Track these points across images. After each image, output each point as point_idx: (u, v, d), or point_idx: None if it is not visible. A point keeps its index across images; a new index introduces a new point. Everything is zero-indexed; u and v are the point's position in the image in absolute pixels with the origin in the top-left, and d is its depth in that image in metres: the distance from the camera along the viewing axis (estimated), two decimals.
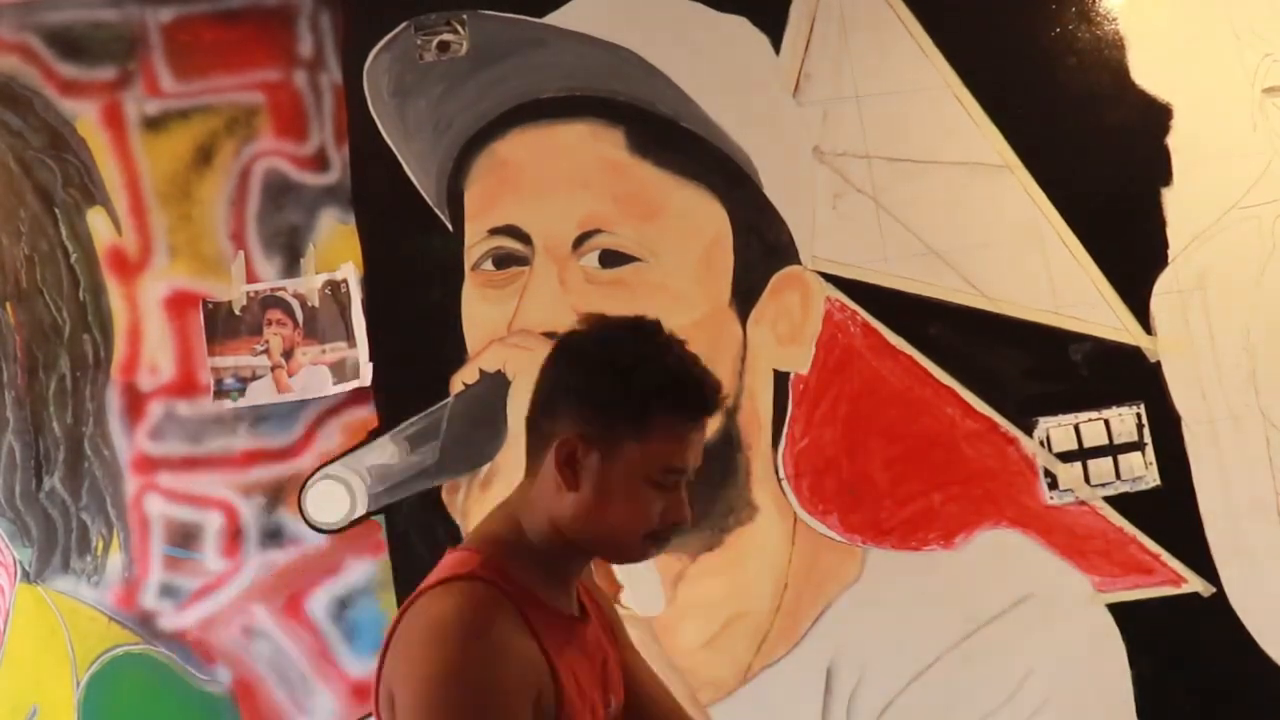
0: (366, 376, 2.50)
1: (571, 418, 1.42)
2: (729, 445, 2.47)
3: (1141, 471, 2.48)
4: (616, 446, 1.41)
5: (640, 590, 2.40)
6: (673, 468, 1.43)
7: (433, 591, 1.38)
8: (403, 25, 2.56)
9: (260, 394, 2.50)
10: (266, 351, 2.52)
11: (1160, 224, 2.54)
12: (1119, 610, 2.43)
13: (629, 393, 1.40)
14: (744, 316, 2.51)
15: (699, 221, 2.53)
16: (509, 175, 2.54)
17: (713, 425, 1.50)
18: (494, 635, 1.34)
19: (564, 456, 1.42)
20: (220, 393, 2.50)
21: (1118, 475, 2.48)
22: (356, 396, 2.50)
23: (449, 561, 1.43)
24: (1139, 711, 2.40)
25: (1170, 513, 2.46)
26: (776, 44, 2.58)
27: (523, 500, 1.48)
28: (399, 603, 2.42)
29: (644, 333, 1.47)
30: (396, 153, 2.55)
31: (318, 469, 2.46)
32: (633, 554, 1.49)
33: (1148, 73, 2.58)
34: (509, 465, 2.44)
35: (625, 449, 1.41)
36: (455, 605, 1.36)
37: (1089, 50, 2.60)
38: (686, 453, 1.45)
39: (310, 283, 2.54)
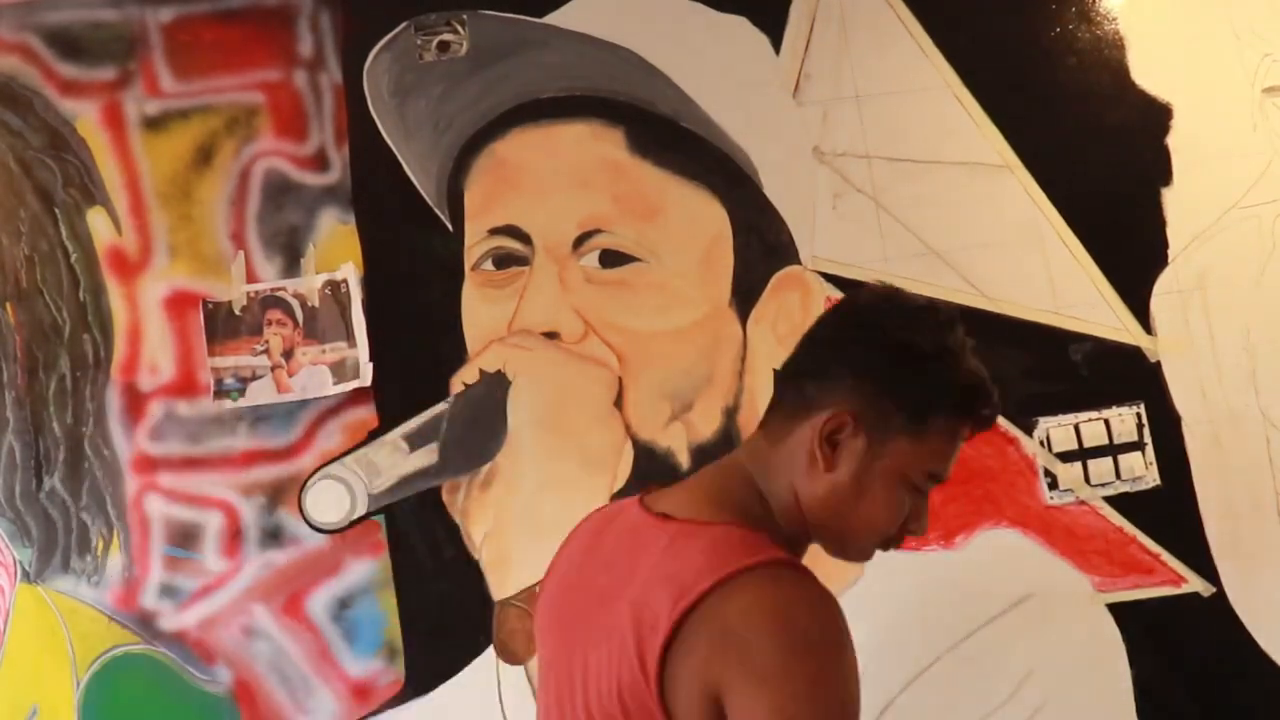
0: (367, 376, 2.50)
1: (849, 391, 1.30)
2: (729, 445, 2.47)
3: (1142, 471, 2.48)
4: (889, 436, 1.31)
5: None
6: (935, 473, 1.36)
7: (757, 577, 1.24)
8: (403, 25, 2.56)
9: (260, 394, 2.50)
10: (266, 351, 2.52)
11: (1160, 224, 2.54)
12: (1119, 610, 2.43)
13: (924, 383, 1.30)
14: (744, 316, 2.51)
15: (699, 221, 2.53)
16: (509, 175, 2.54)
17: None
18: (844, 620, 1.28)
19: (829, 432, 1.30)
20: (220, 393, 2.50)
21: (1118, 475, 2.48)
22: (357, 396, 2.50)
23: (729, 540, 1.26)
24: (1139, 711, 2.40)
25: (1170, 513, 2.46)
26: (776, 44, 2.58)
27: (763, 465, 1.35)
28: (399, 602, 2.45)
29: (946, 322, 1.37)
30: (396, 153, 2.55)
31: (318, 469, 2.46)
32: (863, 553, 1.42)
33: (1148, 73, 2.58)
34: (509, 465, 2.44)
35: (897, 442, 1.31)
36: (813, 596, 1.28)
37: (1089, 50, 2.60)
38: (953, 460, 1.37)
39: (310, 283, 2.54)
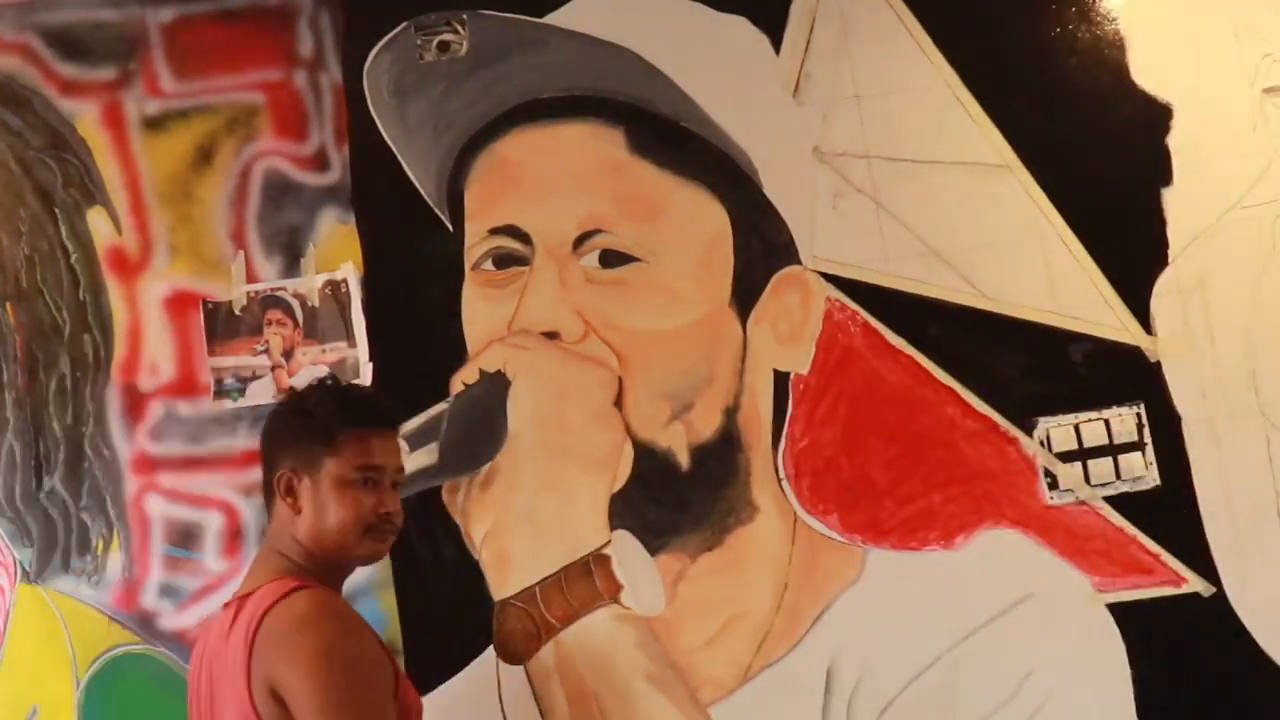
0: (366, 376, 2.50)
1: (280, 458, 1.83)
2: (729, 445, 2.47)
3: (1141, 471, 2.48)
4: (317, 465, 1.79)
5: (640, 590, 2.40)
6: (366, 465, 1.80)
7: (286, 600, 1.72)
8: (403, 25, 2.56)
9: (260, 394, 2.50)
10: (266, 351, 2.52)
11: (1160, 224, 2.53)
12: (1119, 610, 2.43)
13: (314, 420, 1.81)
14: (744, 316, 2.51)
15: (699, 221, 2.53)
16: (509, 175, 2.54)
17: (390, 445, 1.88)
18: (356, 618, 1.78)
19: (284, 488, 1.81)
20: (220, 393, 2.50)
21: (1118, 475, 2.48)
22: None
23: (269, 589, 1.75)
24: (1139, 711, 2.40)
25: (1170, 513, 2.46)
26: (777, 44, 2.58)
27: (274, 538, 1.85)
28: (399, 602, 2.46)
29: (318, 381, 1.97)
30: (396, 152, 2.55)
31: None
32: (359, 549, 1.82)
33: (1148, 73, 2.58)
34: (509, 465, 2.44)
35: (324, 465, 1.79)
36: (316, 600, 1.72)
37: (1089, 50, 2.60)
38: (373, 454, 1.81)
39: (310, 283, 2.54)
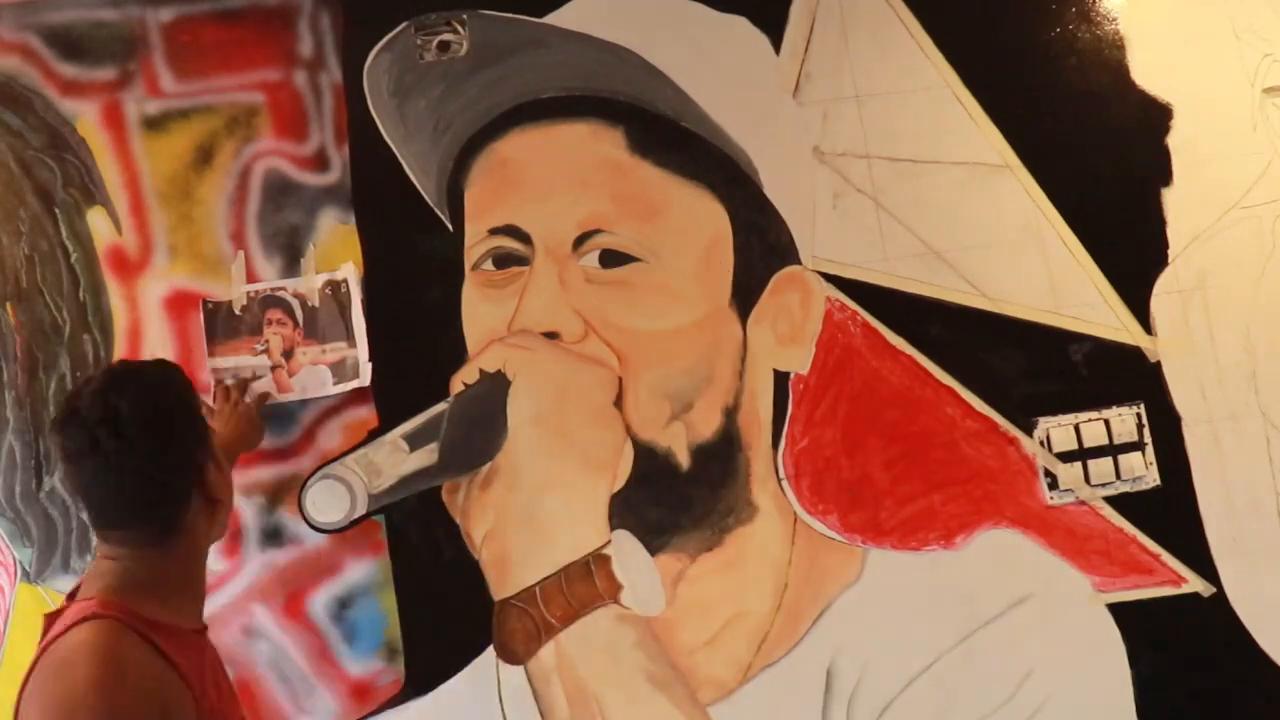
0: (366, 376, 2.50)
1: (187, 466, 1.74)
2: (729, 445, 2.47)
3: (1142, 471, 2.48)
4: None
5: (640, 590, 2.40)
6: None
7: (65, 635, 1.57)
8: (403, 25, 2.56)
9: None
10: (266, 351, 2.52)
11: (1160, 224, 2.54)
12: (1119, 610, 2.44)
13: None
14: (744, 316, 2.51)
15: (699, 221, 2.53)
16: (509, 175, 2.54)
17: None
18: (112, 660, 1.54)
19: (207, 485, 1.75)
20: None
21: (1118, 475, 2.48)
22: (356, 396, 2.50)
23: (74, 611, 1.62)
24: (1139, 711, 2.40)
25: (1170, 513, 2.46)
26: (776, 44, 2.58)
27: (166, 554, 1.72)
28: (399, 602, 2.46)
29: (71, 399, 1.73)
30: (396, 152, 2.55)
31: (318, 469, 2.45)
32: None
33: (1148, 73, 2.58)
34: (509, 465, 2.44)
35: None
36: (76, 641, 1.55)
37: (1089, 50, 2.60)
38: None
39: (310, 282, 2.54)
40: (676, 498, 2.46)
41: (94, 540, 2.48)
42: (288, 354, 2.52)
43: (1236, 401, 2.49)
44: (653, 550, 2.44)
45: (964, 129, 2.55)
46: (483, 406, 2.45)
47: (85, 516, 1.73)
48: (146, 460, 1.63)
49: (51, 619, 1.66)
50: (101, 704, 1.49)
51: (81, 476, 1.66)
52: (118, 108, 2.56)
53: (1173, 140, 2.56)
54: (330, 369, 2.51)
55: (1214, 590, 2.44)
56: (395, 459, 2.41)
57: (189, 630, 1.72)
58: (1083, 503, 2.47)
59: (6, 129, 2.55)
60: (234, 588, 2.47)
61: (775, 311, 2.52)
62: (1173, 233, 2.53)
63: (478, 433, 2.44)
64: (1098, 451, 2.48)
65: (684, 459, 2.46)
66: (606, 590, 2.39)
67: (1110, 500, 2.47)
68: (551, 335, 2.47)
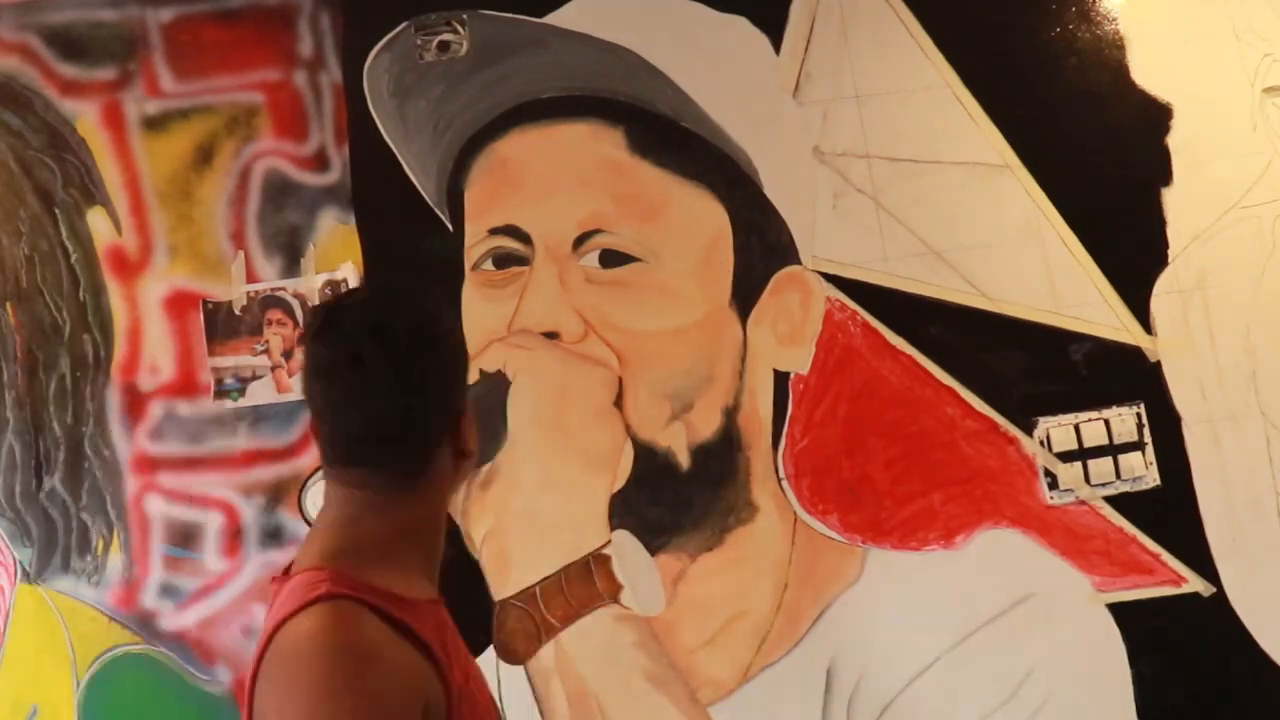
0: None
1: (450, 405, 1.47)
2: (729, 445, 2.47)
3: (1142, 471, 2.48)
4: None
5: (640, 590, 2.40)
6: None
7: (301, 615, 1.31)
8: (403, 25, 2.56)
9: (260, 394, 2.50)
10: (267, 351, 2.52)
11: (1160, 224, 2.54)
12: (1119, 610, 2.43)
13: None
14: (744, 316, 2.51)
15: (699, 221, 2.53)
16: (509, 175, 2.54)
17: None
18: (361, 651, 1.28)
19: (461, 435, 1.47)
20: (220, 393, 2.50)
21: (1118, 475, 2.48)
22: None
23: (301, 584, 1.36)
24: (1139, 711, 2.40)
25: (1170, 512, 2.46)
26: (777, 44, 2.58)
27: (403, 504, 1.44)
28: None
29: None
30: (396, 153, 2.55)
31: (318, 469, 2.46)
32: None
33: (1148, 72, 2.58)
34: (509, 465, 2.44)
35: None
36: (323, 625, 1.29)
37: (1089, 50, 2.60)
38: None
39: (310, 282, 2.54)
40: (676, 498, 2.46)
41: (94, 540, 2.50)
42: (288, 354, 2.52)
43: (1236, 401, 2.49)
44: (653, 550, 2.44)
45: (964, 129, 2.55)
46: (483, 406, 2.45)
47: (323, 449, 1.42)
48: (410, 386, 1.38)
49: (280, 584, 1.41)
50: (348, 704, 1.25)
51: (332, 394, 1.40)
52: (118, 108, 2.56)
53: (1173, 140, 2.56)
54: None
55: (1214, 590, 2.44)
56: None
57: (425, 601, 1.41)
58: (1083, 502, 2.47)
59: (7, 129, 2.55)
60: (234, 588, 2.47)
61: (775, 311, 2.51)
62: (1173, 233, 2.53)
63: (478, 432, 2.44)
64: (1098, 451, 2.48)
65: (684, 459, 2.46)
66: (606, 590, 2.39)
67: (1110, 500, 2.47)
68: (551, 335, 2.47)
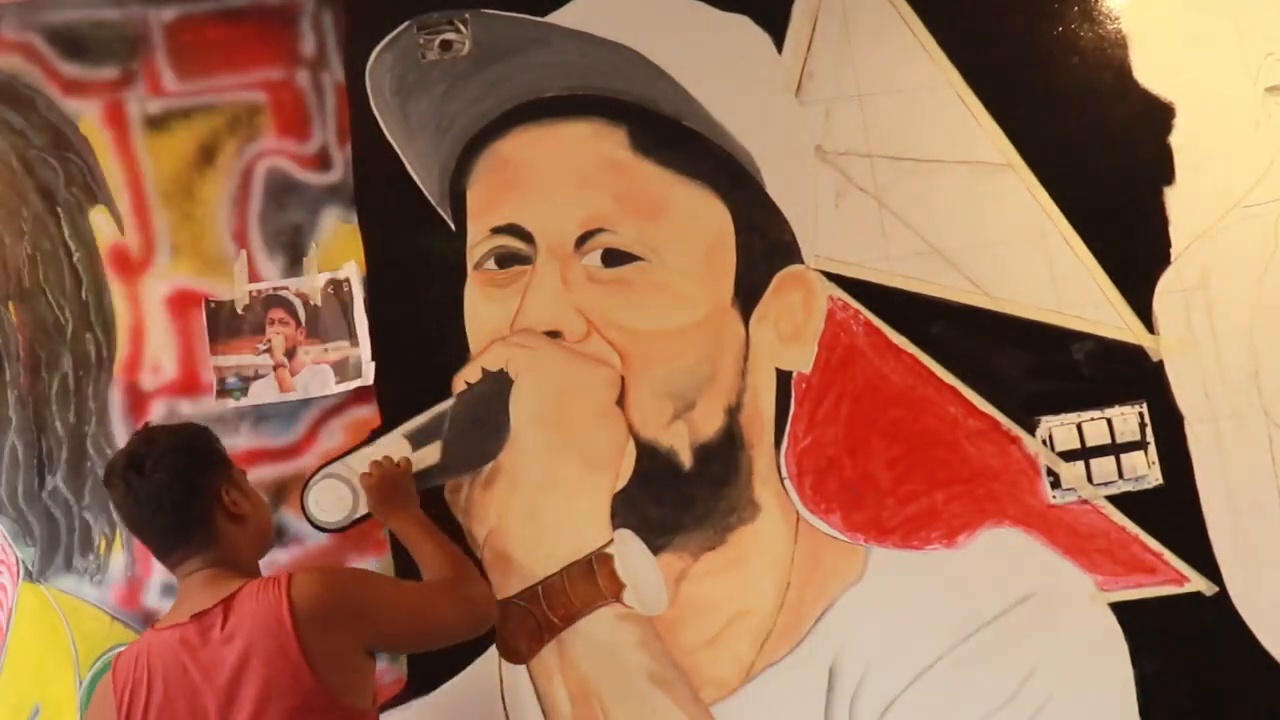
0: (369, 376, 2.50)
1: (201, 493, 2.02)
2: (731, 444, 2.47)
3: (1144, 470, 2.48)
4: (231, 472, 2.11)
5: (643, 589, 2.40)
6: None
7: (296, 582, 1.90)
8: (405, 24, 2.56)
9: (262, 393, 2.51)
10: (269, 351, 2.52)
11: (1163, 223, 2.53)
12: (1121, 609, 2.43)
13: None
14: (746, 315, 2.51)
15: (701, 221, 2.53)
16: (511, 174, 2.54)
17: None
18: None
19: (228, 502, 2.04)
20: (223, 392, 2.50)
21: (1120, 474, 2.48)
22: (359, 395, 2.50)
23: (258, 586, 1.94)
24: (1141, 710, 2.40)
25: (1173, 512, 2.46)
26: (779, 43, 2.58)
27: (225, 554, 2.04)
28: None
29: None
30: (399, 152, 2.55)
31: (320, 468, 2.46)
32: None
33: (1150, 71, 2.58)
34: (511, 464, 2.45)
35: (234, 470, 2.12)
36: (321, 567, 2.08)
37: (1091, 49, 2.60)
38: None
39: (313, 282, 2.54)
40: (679, 496, 2.46)
41: (96, 539, 2.50)
42: (290, 353, 2.52)
43: (1239, 400, 2.49)
44: (655, 549, 2.44)
45: (966, 128, 2.55)
46: (485, 406, 2.45)
47: (154, 556, 2.05)
48: (165, 495, 1.96)
49: (209, 618, 1.90)
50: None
51: (130, 518, 2.02)
52: (120, 107, 2.56)
53: (1175, 139, 2.56)
54: (332, 368, 2.51)
55: (1216, 589, 2.44)
56: (398, 458, 2.42)
57: None
58: (1085, 502, 2.47)
59: (9, 128, 2.55)
60: None
61: (778, 310, 2.52)
62: (1175, 232, 2.53)
63: (480, 432, 2.44)
64: (1100, 450, 2.48)
65: (686, 458, 2.46)
66: (609, 589, 2.40)
67: (1113, 499, 2.47)
68: (554, 334, 2.47)
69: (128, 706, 1.89)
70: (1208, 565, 2.44)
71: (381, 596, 2.00)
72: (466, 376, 2.48)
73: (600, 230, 2.50)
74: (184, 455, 1.99)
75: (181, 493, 1.96)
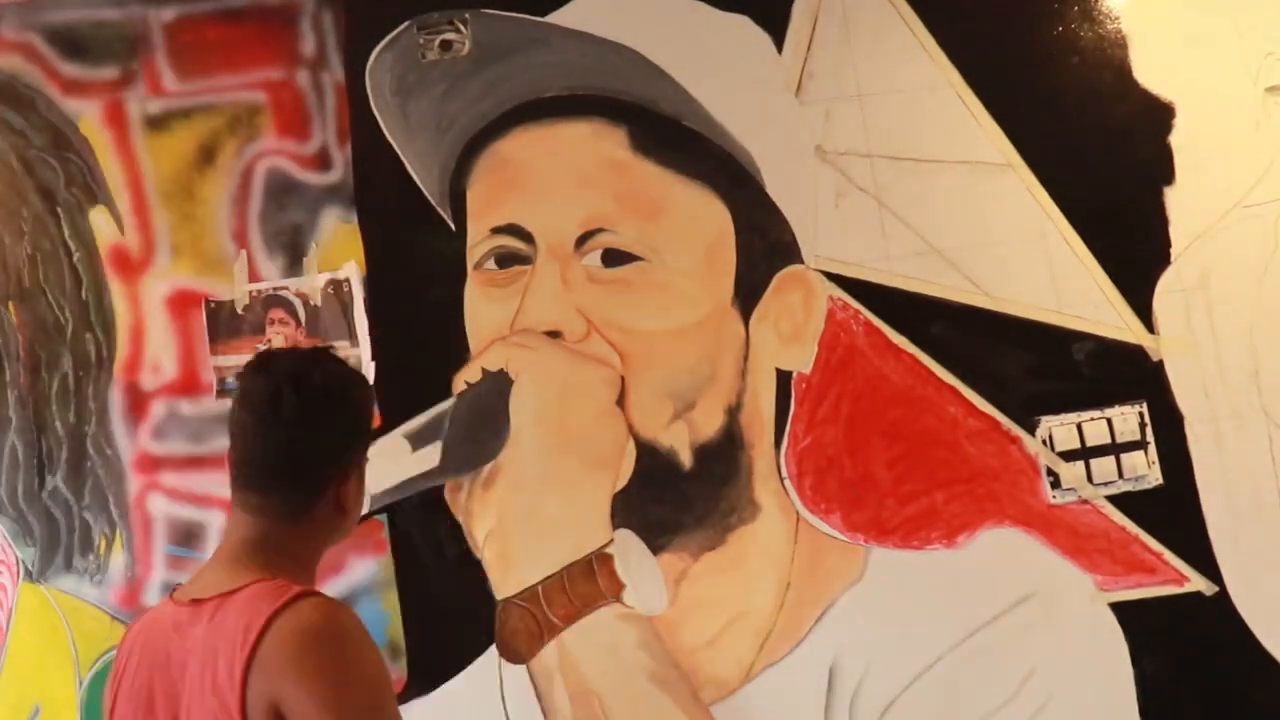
0: (369, 376, 2.50)
1: (358, 445, 1.64)
2: (732, 444, 2.47)
3: (1144, 470, 2.48)
4: (361, 457, 1.65)
5: (643, 589, 2.40)
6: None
7: (291, 609, 1.50)
8: (405, 24, 2.56)
9: None
10: None
11: (1163, 223, 2.53)
12: (1121, 609, 2.43)
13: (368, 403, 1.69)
14: (747, 315, 2.51)
15: (701, 221, 2.53)
16: (511, 174, 2.54)
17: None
18: (363, 627, 1.53)
19: (341, 479, 1.61)
20: (223, 392, 2.50)
21: (1120, 474, 2.48)
22: None
23: (260, 592, 1.53)
24: (1141, 711, 2.40)
25: (1173, 512, 2.46)
26: (779, 43, 2.58)
27: (271, 536, 1.61)
28: (401, 600, 2.45)
29: (322, 352, 1.72)
30: (399, 152, 2.55)
31: None
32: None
33: (1150, 71, 2.58)
34: (511, 464, 2.44)
35: (362, 457, 1.65)
36: (327, 611, 1.51)
37: (1091, 49, 2.60)
38: None
39: (313, 282, 2.54)
40: (679, 497, 2.46)
41: (96, 539, 2.50)
42: None
43: (1239, 400, 2.49)
44: (655, 549, 2.44)
45: (966, 128, 2.55)
46: (485, 405, 2.45)
47: (230, 473, 1.65)
48: (309, 432, 1.60)
49: (207, 605, 1.57)
50: (373, 666, 1.52)
51: (245, 423, 1.63)
52: (120, 107, 2.56)
53: (1175, 139, 2.55)
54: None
55: (1216, 589, 2.44)
56: (398, 458, 2.42)
57: None
58: (1085, 502, 2.47)
59: (9, 128, 2.55)
60: None
61: (778, 311, 2.51)
62: (1175, 231, 2.53)
63: (480, 432, 2.44)
64: (1100, 450, 2.48)
65: (686, 458, 2.46)
66: (609, 589, 2.40)
67: (1113, 499, 2.47)
68: (554, 334, 2.47)
69: (119, 675, 1.68)
70: (1207, 565, 2.44)
71: (321, 695, 1.49)
72: (466, 376, 2.48)
73: (600, 230, 2.50)
74: (335, 416, 1.62)
75: (308, 459, 1.61)
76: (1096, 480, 2.48)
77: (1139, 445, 2.48)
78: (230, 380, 2.50)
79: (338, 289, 2.53)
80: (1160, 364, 2.50)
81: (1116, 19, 2.60)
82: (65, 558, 2.49)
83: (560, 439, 2.44)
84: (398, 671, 2.44)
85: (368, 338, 2.52)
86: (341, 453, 1.62)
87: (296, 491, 1.61)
